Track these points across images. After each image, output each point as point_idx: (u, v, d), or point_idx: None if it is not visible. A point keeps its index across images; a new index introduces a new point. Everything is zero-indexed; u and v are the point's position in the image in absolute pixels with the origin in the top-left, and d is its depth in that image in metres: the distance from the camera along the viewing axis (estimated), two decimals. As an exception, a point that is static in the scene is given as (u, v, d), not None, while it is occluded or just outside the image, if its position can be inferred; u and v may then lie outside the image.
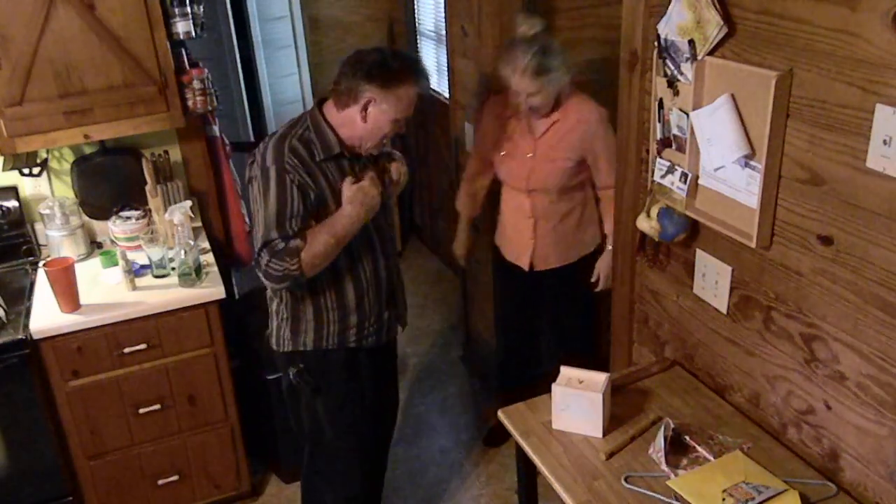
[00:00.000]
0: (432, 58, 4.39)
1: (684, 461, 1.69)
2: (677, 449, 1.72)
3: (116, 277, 2.63)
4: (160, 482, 2.72)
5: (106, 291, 2.58)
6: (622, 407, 1.88)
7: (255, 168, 2.10)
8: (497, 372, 3.22)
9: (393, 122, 2.07)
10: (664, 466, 1.67)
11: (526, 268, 2.79)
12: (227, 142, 3.07)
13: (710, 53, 1.63)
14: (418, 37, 4.59)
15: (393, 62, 2.05)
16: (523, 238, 2.76)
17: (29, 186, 2.82)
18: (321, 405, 2.30)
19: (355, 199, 2.07)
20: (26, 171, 2.74)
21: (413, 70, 2.08)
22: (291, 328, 2.21)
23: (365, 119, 2.06)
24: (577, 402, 1.78)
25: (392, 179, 2.22)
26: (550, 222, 2.70)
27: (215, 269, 2.69)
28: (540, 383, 1.93)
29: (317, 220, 2.07)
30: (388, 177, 2.21)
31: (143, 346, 2.51)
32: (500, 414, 1.92)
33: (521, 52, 2.44)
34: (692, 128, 1.72)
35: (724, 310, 1.84)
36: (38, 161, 2.77)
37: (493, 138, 2.73)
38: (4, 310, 2.46)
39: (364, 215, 2.09)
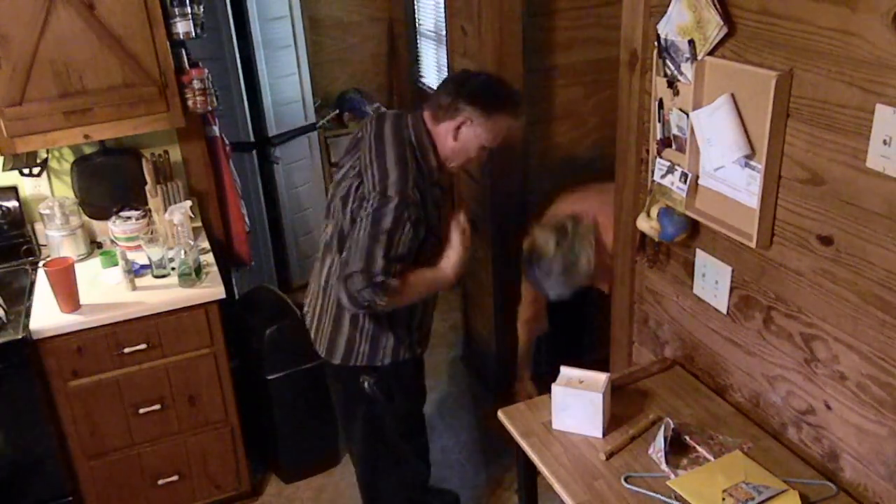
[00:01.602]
0: (432, 58, 4.38)
1: (684, 461, 1.69)
2: (677, 449, 1.72)
3: (116, 277, 2.63)
4: (160, 482, 2.72)
5: (106, 291, 2.58)
6: (622, 407, 1.88)
7: (367, 190, 1.99)
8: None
9: (481, 148, 2.07)
10: (664, 466, 1.67)
11: None
12: (227, 142, 3.07)
13: (710, 53, 1.64)
14: (418, 37, 4.58)
15: (499, 89, 2.07)
16: None
17: (29, 186, 2.83)
18: (390, 412, 2.31)
19: (455, 257, 2.09)
20: (26, 171, 2.74)
21: (515, 101, 2.08)
22: (371, 344, 2.18)
23: (456, 138, 2.05)
24: (577, 402, 1.78)
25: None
26: None
27: (215, 269, 2.69)
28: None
29: (417, 246, 2.02)
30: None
31: (143, 346, 2.51)
32: (500, 414, 1.93)
33: (548, 272, 2.49)
34: (692, 128, 1.72)
35: (724, 310, 1.84)
36: (38, 161, 2.77)
37: None
38: (4, 310, 2.46)
39: (456, 279, 2.13)
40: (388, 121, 2.13)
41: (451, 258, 2.09)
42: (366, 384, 2.23)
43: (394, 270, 1.95)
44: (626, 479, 1.65)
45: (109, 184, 2.82)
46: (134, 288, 2.56)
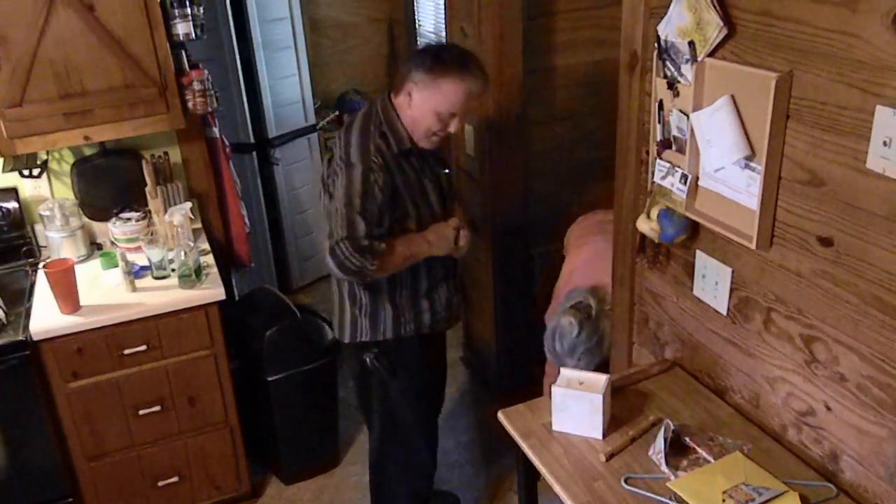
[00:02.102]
0: (432, 59, 4.38)
1: (684, 462, 1.69)
2: (677, 450, 1.72)
3: (116, 279, 2.63)
4: (160, 483, 2.72)
5: (106, 293, 2.58)
6: (622, 408, 1.87)
7: (336, 163, 2.10)
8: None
9: (435, 114, 2.07)
10: (664, 468, 1.67)
11: None
12: (227, 143, 3.07)
13: (711, 55, 1.64)
14: (418, 38, 4.59)
15: (447, 55, 2.06)
16: None
17: (29, 188, 2.83)
18: (397, 391, 2.34)
19: (438, 231, 2.16)
20: (26, 172, 2.74)
21: (462, 63, 2.06)
22: (370, 317, 2.25)
23: (410, 106, 2.08)
24: (577, 403, 1.78)
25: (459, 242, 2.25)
26: None
27: (215, 270, 2.69)
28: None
29: (394, 214, 2.10)
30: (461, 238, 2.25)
31: (143, 348, 2.51)
32: (500, 415, 1.93)
33: (566, 352, 2.49)
34: (692, 129, 1.72)
35: (724, 311, 1.84)
36: (38, 162, 2.77)
37: None
38: (4, 311, 2.46)
39: (436, 252, 2.17)
40: (364, 108, 2.22)
41: (442, 228, 2.16)
42: (367, 359, 2.28)
43: (377, 233, 2.03)
44: (625, 481, 1.65)
45: (109, 185, 2.82)
46: (134, 289, 2.56)
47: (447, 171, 2.35)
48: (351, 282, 2.19)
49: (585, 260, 2.71)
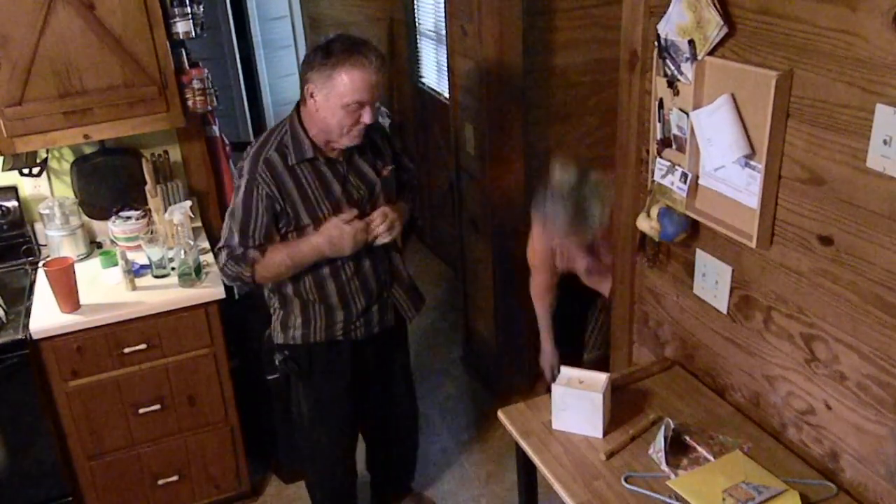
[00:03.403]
0: (432, 58, 4.39)
1: (684, 461, 1.69)
2: (677, 449, 1.72)
3: (116, 277, 2.63)
4: (160, 482, 2.72)
5: (106, 291, 2.57)
6: (622, 407, 1.87)
7: (236, 172, 2.19)
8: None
9: (342, 107, 2.02)
10: (664, 466, 1.67)
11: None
12: (226, 142, 3.07)
13: (711, 53, 1.63)
14: (418, 37, 4.58)
15: (335, 46, 2.01)
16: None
17: (29, 186, 2.82)
18: (302, 391, 2.42)
19: (326, 232, 2.13)
20: (26, 171, 2.74)
21: (350, 52, 2.00)
22: (282, 322, 2.32)
23: (316, 108, 2.06)
24: (577, 401, 1.78)
25: (372, 232, 2.19)
26: None
27: (215, 269, 2.68)
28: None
29: (293, 225, 2.14)
30: (374, 225, 2.19)
31: (142, 346, 2.51)
32: (500, 414, 1.93)
33: (559, 208, 2.42)
34: (692, 128, 1.72)
35: (724, 310, 1.84)
36: (38, 161, 2.76)
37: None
38: (4, 310, 2.46)
39: (327, 252, 2.15)
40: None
41: (325, 224, 2.14)
42: (277, 360, 2.40)
43: (252, 243, 2.12)
44: (626, 480, 1.65)
45: (109, 184, 2.82)
46: (134, 288, 2.56)
47: (384, 173, 2.27)
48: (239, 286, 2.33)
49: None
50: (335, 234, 2.12)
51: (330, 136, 2.11)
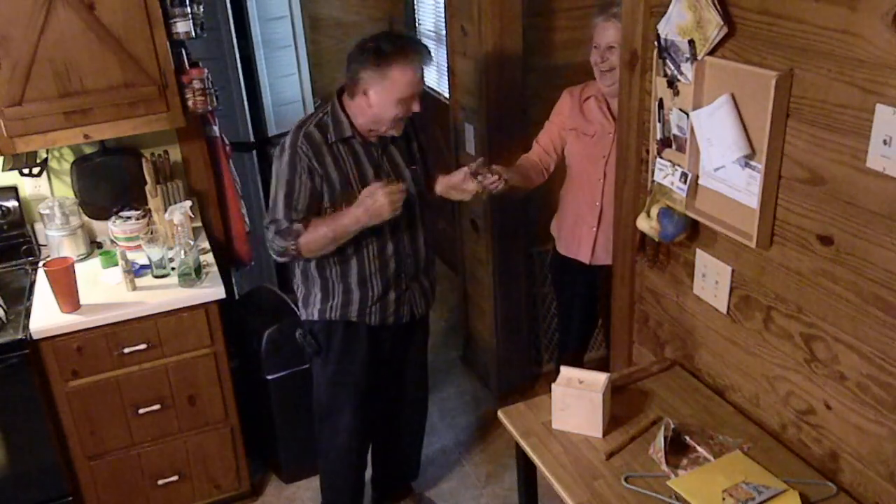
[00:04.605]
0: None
1: (684, 461, 1.69)
2: (677, 449, 1.72)
3: (116, 277, 2.63)
4: (160, 482, 2.72)
5: (106, 291, 2.57)
6: (622, 407, 1.88)
7: (277, 150, 2.23)
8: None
9: (397, 102, 2.14)
10: (664, 466, 1.67)
11: (587, 261, 2.72)
12: (227, 142, 3.07)
13: (711, 53, 1.64)
14: (418, 36, 4.58)
15: (386, 45, 2.11)
16: (585, 228, 2.69)
17: (29, 186, 2.82)
18: (319, 368, 2.47)
19: (363, 202, 2.16)
20: (26, 171, 2.74)
21: (404, 50, 2.12)
22: (303, 299, 2.42)
23: (370, 105, 2.15)
24: (577, 402, 1.78)
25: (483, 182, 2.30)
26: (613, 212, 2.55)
27: (215, 269, 2.68)
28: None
29: (327, 199, 2.21)
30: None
31: (142, 347, 2.51)
32: (500, 414, 1.93)
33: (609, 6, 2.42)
34: (692, 128, 1.72)
35: (724, 310, 1.84)
36: (38, 161, 2.76)
37: (569, 117, 2.66)
38: (4, 310, 2.46)
39: (366, 220, 2.17)
40: None
41: (363, 193, 2.17)
42: (297, 334, 2.49)
43: (296, 216, 2.19)
44: (626, 479, 1.65)
45: (109, 184, 2.82)
46: (134, 288, 2.56)
47: (413, 166, 2.36)
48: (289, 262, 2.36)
49: None
50: (369, 200, 2.15)
51: (380, 127, 2.21)
